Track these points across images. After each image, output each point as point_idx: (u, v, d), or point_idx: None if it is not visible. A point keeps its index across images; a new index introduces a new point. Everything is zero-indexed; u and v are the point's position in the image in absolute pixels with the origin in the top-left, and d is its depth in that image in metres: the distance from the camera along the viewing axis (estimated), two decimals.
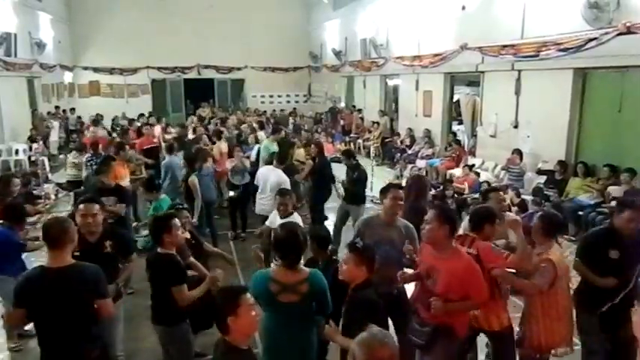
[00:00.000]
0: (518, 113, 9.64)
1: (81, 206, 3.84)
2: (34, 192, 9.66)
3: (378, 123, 15.50)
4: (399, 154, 13.45)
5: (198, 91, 21.85)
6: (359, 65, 16.87)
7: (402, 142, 13.97)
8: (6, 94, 13.61)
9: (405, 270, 3.72)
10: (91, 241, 3.76)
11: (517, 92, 9.56)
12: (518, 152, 9.20)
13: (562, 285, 3.63)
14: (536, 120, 9.16)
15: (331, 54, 19.30)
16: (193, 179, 6.80)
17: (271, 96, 23.11)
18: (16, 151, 12.83)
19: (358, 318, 2.77)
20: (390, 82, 15.90)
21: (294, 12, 22.32)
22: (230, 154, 8.88)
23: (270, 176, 6.67)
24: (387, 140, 14.73)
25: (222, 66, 21.87)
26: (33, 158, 12.43)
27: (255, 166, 8.37)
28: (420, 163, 11.92)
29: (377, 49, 15.26)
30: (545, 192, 8.15)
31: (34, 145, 13.29)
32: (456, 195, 9.05)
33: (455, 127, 13.31)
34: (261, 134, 11.28)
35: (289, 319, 3.12)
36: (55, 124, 16.11)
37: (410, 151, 13.08)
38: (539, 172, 8.92)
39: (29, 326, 4.76)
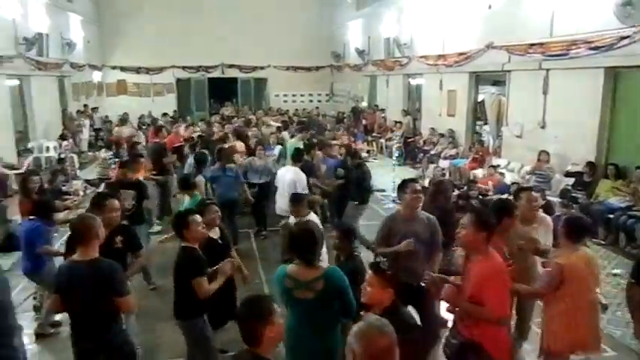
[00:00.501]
0: (545, 113, 9.46)
1: (107, 202, 4.07)
2: (63, 188, 9.89)
3: (400, 122, 15.41)
4: (421, 154, 13.35)
5: (222, 90, 22.09)
6: (382, 64, 16.79)
7: (424, 141, 13.86)
8: (38, 92, 14.00)
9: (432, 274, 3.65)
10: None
11: (545, 92, 9.38)
12: (545, 153, 9.04)
13: (575, 289, 3.46)
14: (565, 120, 8.97)
15: (354, 53, 19.26)
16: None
17: (294, 95, 23.18)
18: (47, 149, 13.18)
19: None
20: (414, 82, 15.78)
21: (317, 11, 22.34)
22: (253, 154, 8.92)
23: (287, 175, 6.72)
24: (409, 140, 14.62)
25: (245, 65, 22.04)
26: (62, 155, 12.73)
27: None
28: (443, 164, 11.80)
29: (400, 49, 15.17)
30: (573, 194, 7.98)
31: (64, 143, 13.62)
32: (480, 196, 8.93)
33: (479, 127, 13.14)
34: (285, 134, 11.33)
35: (309, 316, 3.10)
36: (86, 122, 16.50)
37: (433, 151, 12.96)
38: (567, 174, 8.74)
39: (59, 316, 4.93)
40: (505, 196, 7.85)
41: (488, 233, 3.15)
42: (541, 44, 9.12)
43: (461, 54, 11.89)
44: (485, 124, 13.02)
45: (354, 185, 7.18)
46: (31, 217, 4.97)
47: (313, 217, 4.99)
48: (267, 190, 8.12)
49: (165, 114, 17.84)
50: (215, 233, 4.42)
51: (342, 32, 21.29)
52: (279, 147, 9.66)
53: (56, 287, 3.27)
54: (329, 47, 22.27)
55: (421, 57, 13.89)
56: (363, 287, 2.87)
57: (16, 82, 13.08)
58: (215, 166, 7.47)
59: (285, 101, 22.70)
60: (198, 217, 3.84)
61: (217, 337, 4.59)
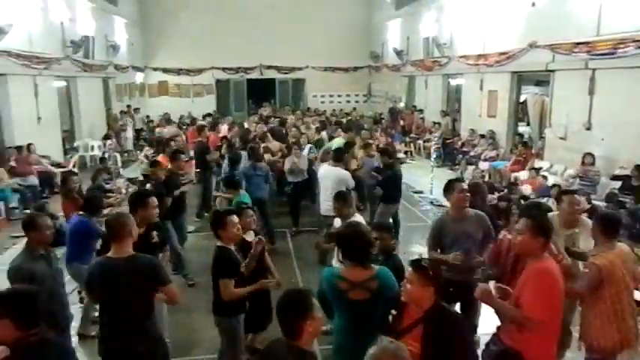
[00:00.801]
0: (591, 114, 9.10)
1: (150, 199, 4.28)
2: (107, 186, 10.21)
3: (439, 123, 15.18)
4: (460, 156, 13.10)
5: (260, 90, 22.33)
6: (421, 64, 16.59)
7: (463, 143, 13.60)
8: (84, 93, 14.54)
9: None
10: (140, 232, 4.05)
11: (591, 92, 9.02)
12: (590, 156, 8.70)
13: (614, 289, 3.41)
14: (612, 122, 8.60)
15: (392, 53, 19.11)
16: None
17: (331, 96, 23.20)
18: (92, 148, 13.66)
19: (447, 349, 2.61)
20: (453, 82, 15.52)
21: (355, 12, 22.30)
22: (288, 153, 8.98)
23: (331, 175, 6.67)
24: (448, 141, 14.38)
25: (283, 66, 22.20)
26: (106, 154, 13.15)
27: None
28: (483, 165, 11.55)
29: (440, 48, 14.94)
30: (620, 198, 7.65)
31: (108, 142, 14.08)
32: (521, 199, 8.68)
33: (521, 129, 12.79)
34: (323, 135, 11.35)
35: (362, 317, 3.05)
36: (130, 121, 17.02)
37: (472, 153, 12.70)
38: (614, 177, 8.38)
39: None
40: (546, 199, 7.62)
41: (545, 239, 3.06)
42: (587, 43, 8.78)
43: (502, 53, 11.60)
44: (528, 125, 12.68)
45: (385, 185, 7.07)
46: (80, 212, 5.11)
47: (359, 217, 4.90)
48: (303, 189, 8.15)
49: (209, 114, 18.21)
50: (250, 236, 4.44)
51: (381, 32, 21.16)
52: (309, 146, 9.70)
53: (87, 285, 3.34)
54: (367, 47, 22.19)
55: (461, 57, 13.64)
56: (403, 284, 2.83)
57: (63, 83, 13.62)
58: (247, 165, 7.57)
59: (323, 102, 22.75)
60: (235, 218, 3.86)
61: (256, 337, 4.67)
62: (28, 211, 9.14)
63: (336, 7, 21.56)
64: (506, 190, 8.96)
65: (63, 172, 8.51)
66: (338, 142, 8.91)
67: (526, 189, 8.97)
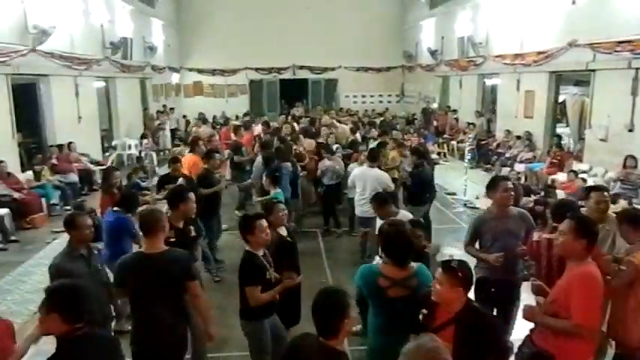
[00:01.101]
0: (634, 115, 8.75)
1: (190, 195, 4.50)
2: (143, 184, 10.46)
3: (473, 124, 14.92)
4: (495, 157, 12.84)
5: (293, 91, 22.44)
6: (455, 64, 16.34)
7: (498, 144, 13.32)
8: (122, 93, 14.95)
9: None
10: (179, 226, 4.30)
11: (634, 93, 8.68)
12: (632, 158, 8.38)
13: None
14: None
15: (426, 53, 18.89)
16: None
17: (363, 96, 23.13)
18: (129, 146, 14.01)
19: (479, 351, 2.59)
20: (489, 82, 15.22)
21: (388, 11, 22.17)
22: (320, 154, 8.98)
23: (369, 176, 6.62)
24: (482, 142, 14.11)
25: (316, 66, 22.26)
26: (143, 153, 13.48)
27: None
28: (519, 167, 11.28)
29: (475, 48, 14.68)
30: None
31: (144, 141, 14.42)
32: None
33: (559, 130, 12.42)
34: (357, 136, 11.30)
35: (396, 316, 3.03)
36: (168, 121, 17.43)
37: (507, 154, 12.42)
38: None
39: None
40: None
41: (588, 241, 2.95)
42: (630, 41, 8.45)
43: (540, 52, 11.29)
44: (567, 126, 12.32)
45: (412, 185, 6.99)
46: (115, 208, 5.19)
47: (406, 214, 4.82)
48: (336, 191, 8.15)
49: (246, 114, 18.50)
50: (283, 231, 4.46)
51: (415, 32, 20.95)
52: (336, 146, 9.69)
53: (120, 281, 3.38)
54: (400, 47, 22.01)
55: (497, 56, 13.36)
56: (433, 285, 2.81)
57: (102, 83, 14.03)
58: (274, 165, 7.62)
59: (355, 102, 22.70)
60: (264, 223, 3.80)
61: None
62: (68, 208, 9.49)
63: (369, 7, 21.48)
64: (542, 193, 8.72)
65: (105, 168, 8.75)
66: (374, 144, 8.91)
67: (563, 192, 8.71)
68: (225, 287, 6.06)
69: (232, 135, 11.34)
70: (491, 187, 4.20)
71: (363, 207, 6.52)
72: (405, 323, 2.94)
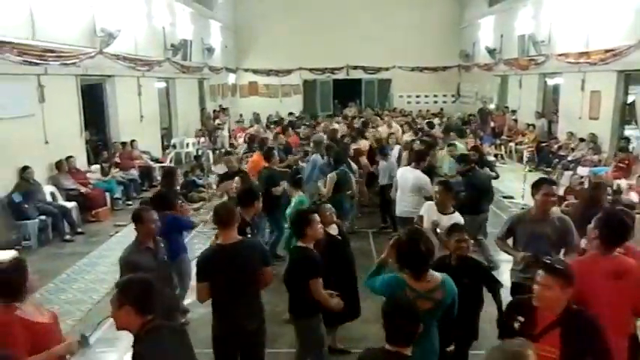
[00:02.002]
0: None
1: (257, 195, 4.73)
2: (200, 182, 10.78)
3: (533, 125, 14.35)
4: (556, 160, 12.28)
5: (346, 91, 22.44)
6: (515, 63, 15.76)
7: (560, 146, 12.73)
8: (181, 93, 15.49)
9: None
10: (248, 220, 4.50)
11: None
12: None
13: None
14: None
15: (484, 52, 18.35)
16: (332, 176, 6.91)
17: (418, 96, 22.80)
18: (187, 145, 14.49)
19: (589, 350, 2.53)
20: (550, 82, 14.58)
21: (445, 10, 21.75)
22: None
23: (409, 177, 6.55)
24: (543, 144, 13.55)
25: (370, 66, 22.16)
26: (200, 152, 13.90)
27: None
28: (582, 171, 10.71)
29: (536, 46, 14.10)
30: None
31: (201, 140, 14.86)
32: (626, 209, 7.94)
33: (628, 132, 11.72)
34: (405, 137, 11.16)
35: (423, 328, 2.97)
36: (227, 120, 17.92)
37: (569, 157, 11.85)
38: None
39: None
40: None
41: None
42: None
43: (608, 51, 10.68)
44: (637, 128, 11.60)
45: (467, 192, 6.61)
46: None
47: (457, 216, 4.71)
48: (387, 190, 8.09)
49: (291, 113, 18.71)
50: (334, 230, 4.46)
51: (472, 30, 20.42)
52: (398, 147, 9.57)
53: (204, 274, 3.41)
54: (457, 46, 21.53)
55: (560, 55, 12.77)
56: (538, 290, 2.63)
57: (163, 84, 14.58)
58: (323, 162, 7.69)
59: (409, 102, 22.42)
60: (317, 217, 3.87)
61: (337, 336, 4.68)
62: (129, 202, 9.93)
63: (425, 6, 21.15)
64: (609, 198, 8.26)
65: (167, 167, 9.06)
66: (459, 146, 8.81)
67: (632, 197, 8.21)
68: (275, 284, 6.13)
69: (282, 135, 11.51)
70: (535, 187, 4.08)
71: (401, 206, 6.50)
72: (430, 335, 2.91)
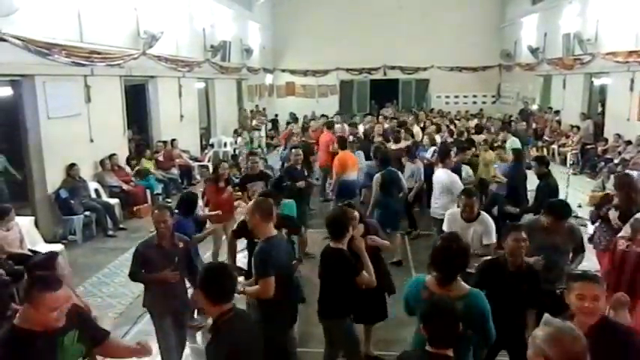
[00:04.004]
0: None
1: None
2: (236, 180, 10.93)
3: (578, 127, 13.86)
4: (602, 163, 11.81)
5: (383, 91, 22.29)
6: (559, 63, 15.26)
7: (606, 149, 12.25)
8: (220, 94, 15.75)
9: None
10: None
11: None
12: None
13: None
14: None
15: (526, 51, 17.86)
16: (377, 177, 6.86)
17: (456, 97, 22.42)
18: (224, 144, 14.72)
19: None
20: (597, 82, 14.05)
21: (486, 9, 21.30)
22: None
23: (440, 177, 6.48)
24: (588, 147, 13.07)
25: (407, 66, 21.94)
26: (237, 151, 14.10)
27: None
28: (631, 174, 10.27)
29: (582, 45, 13.62)
30: None
31: (239, 139, 15.07)
32: None
33: None
34: (437, 137, 10.99)
35: None
36: (265, 120, 18.13)
37: (616, 160, 11.38)
38: None
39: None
40: None
41: None
42: None
43: None
44: None
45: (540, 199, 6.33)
46: (175, 211, 5.27)
47: (485, 219, 4.57)
48: (418, 193, 8.00)
49: (354, 115, 18.78)
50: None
51: (514, 29, 19.92)
52: (433, 148, 9.43)
53: (270, 269, 3.46)
54: (498, 46, 21.04)
55: (608, 54, 12.28)
56: (581, 305, 2.51)
57: (202, 84, 14.86)
58: (372, 164, 7.65)
59: (447, 103, 22.07)
60: (357, 217, 4.00)
61: (372, 340, 4.68)
62: (169, 200, 10.17)
63: (465, 5, 20.77)
64: None
65: (216, 160, 9.24)
66: (512, 142, 8.67)
67: None
68: (306, 283, 6.15)
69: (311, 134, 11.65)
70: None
71: (434, 207, 6.47)
72: None
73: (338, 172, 7.87)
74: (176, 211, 5.31)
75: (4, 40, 6.47)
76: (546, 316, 2.07)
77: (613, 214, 4.92)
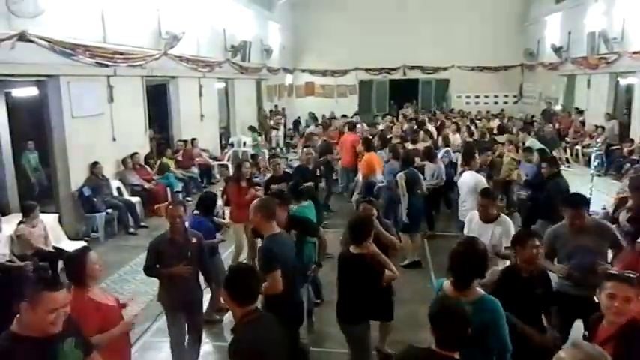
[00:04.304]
0: None
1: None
2: (256, 180, 10.99)
3: (602, 127, 13.58)
4: (628, 165, 11.55)
5: (403, 91, 22.15)
6: (583, 62, 14.96)
7: (632, 150, 11.97)
8: (239, 93, 15.86)
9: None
10: None
11: None
12: None
13: None
14: None
15: (549, 50, 17.55)
16: (401, 176, 6.84)
17: (477, 96, 22.16)
18: (244, 144, 14.80)
19: None
20: (623, 81, 13.74)
21: (508, 8, 21.00)
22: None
23: (466, 179, 6.42)
24: (613, 148, 12.79)
25: (427, 66, 21.77)
26: (254, 150, 14.16)
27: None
28: None
29: (608, 44, 13.34)
30: None
31: (258, 139, 15.13)
32: None
33: None
34: (456, 137, 10.90)
35: None
36: (283, 120, 18.19)
37: None
38: None
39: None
40: None
41: None
42: None
43: None
44: None
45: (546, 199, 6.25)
46: (196, 212, 5.35)
47: (504, 220, 4.48)
48: (438, 194, 7.93)
49: (376, 115, 18.74)
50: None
51: (537, 28, 19.61)
52: (445, 150, 9.37)
53: (275, 263, 3.50)
54: (520, 45, 20.74)
55: (635, 53, 11.99)
56: (611, 304, 2.46)
57: (222, 84, 14.97)
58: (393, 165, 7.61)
59: (468, 103, 21.81)
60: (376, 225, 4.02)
61: (388, 340, 4.66)
62: (189, 199, 10.28)
63: (486, 3, 20.51)
64: None
65: (237, 160, 9.33)
66: (531, 143, 8.71)
67: None
68: (326, 283, 6.15)
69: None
70: (567, 203, 3.94)
71: (461, 210, 6.43)
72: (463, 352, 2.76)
73: (365, 174, 7.81)
74: (196, 212, 5.34)
75: (31, 41, 6.62)
76: (573, 336, 2.00)
77: (623, 216, 4.81)
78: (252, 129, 14.81)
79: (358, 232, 3.67)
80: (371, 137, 10.16)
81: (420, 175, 7.14)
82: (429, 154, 8.17)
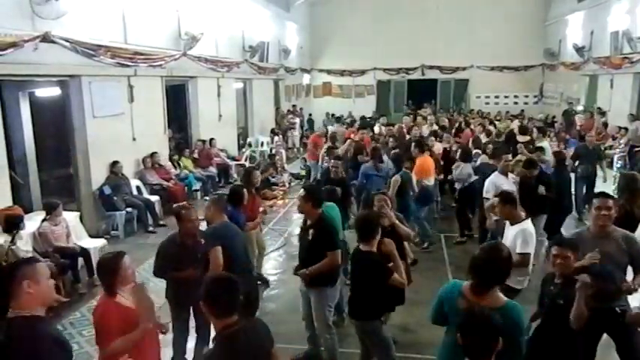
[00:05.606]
0: None
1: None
2: (273, 180, 11.04)
3: (625, 129, 13.30)
4: None
5: (421, 91, 22.01)
6: (606, 62, 14.68)
7: None
8: (257, 93, 15.93)
9: None
10: None
11: None
12: None
13: None
14: None
15: (571, 50, 17.27)
16: (396, 178, 6.82)
17: (497, 97, 21.91)
18: (262, 144, 14.88)
19: None
20: None
21: (528, 7, 20.73)
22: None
23: (493, 181, 6.32)
24: (636, 149, 12.52)
25: (446, 66, 21.59)
26: (274, 151, 14.23)
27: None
28: None
29: (632, 43, 13.07)
30: None
31: (275, 139, 15.20)
32: None
33: None
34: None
35: None
36: (297, 120, 18.23)
37: None
38: None
39: None
40: None
41: None
42: None
43: None
44: None
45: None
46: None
47: (527, 224, 4.40)
48: (466, 195, 7.84)
49: (382, 115, 18.64)
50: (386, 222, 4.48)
51: (558, 27, 19.29)
52: (476, 151, 9.26)
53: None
54: (541, 44, 20.44)
55: None
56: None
57: (240, 84, 15.06)
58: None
59: (487, 103, 21.59)
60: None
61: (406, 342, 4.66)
62: (207, 198, 10.35)
63: (505, 3, 20.28)
64: None
65: (247, 167, 9.38)
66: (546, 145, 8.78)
67: None
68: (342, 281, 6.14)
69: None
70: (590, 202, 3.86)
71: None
72: None
73: (419, 177, 7.65)
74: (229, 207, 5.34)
75: (54, 42, 6.75)
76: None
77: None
78: (273, 132, 14.98)
79: (365, 230, 3.68)
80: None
81: (413, 177, 7.14)
82: (465, 155, 8.10)
